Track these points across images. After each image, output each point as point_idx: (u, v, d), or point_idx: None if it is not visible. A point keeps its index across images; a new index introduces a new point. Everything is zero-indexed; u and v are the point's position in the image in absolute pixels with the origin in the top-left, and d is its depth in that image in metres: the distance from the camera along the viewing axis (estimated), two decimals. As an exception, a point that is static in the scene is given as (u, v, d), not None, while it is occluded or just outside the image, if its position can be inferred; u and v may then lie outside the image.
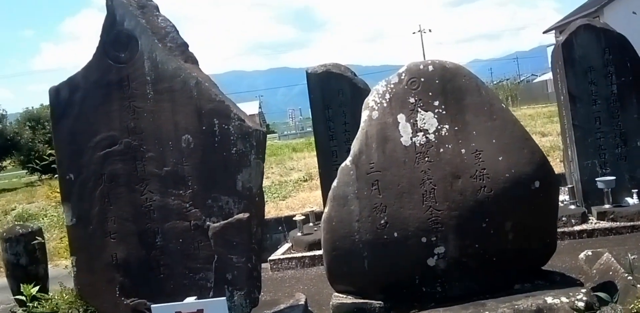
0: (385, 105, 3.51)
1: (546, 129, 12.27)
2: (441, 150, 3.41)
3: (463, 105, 3.43)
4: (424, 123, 3.44)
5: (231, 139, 3.66)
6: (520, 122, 3.47)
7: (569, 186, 6.73)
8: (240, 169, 3.68)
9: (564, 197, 6.85)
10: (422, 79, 3.47)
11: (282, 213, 8.33)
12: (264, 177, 3.97)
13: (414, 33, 49.67)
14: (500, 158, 3.35)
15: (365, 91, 7.30)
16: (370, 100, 3.54)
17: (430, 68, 3.48)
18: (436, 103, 3.44)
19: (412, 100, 3.47)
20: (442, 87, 3.45)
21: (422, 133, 3.44)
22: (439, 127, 3.43)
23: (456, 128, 3.41)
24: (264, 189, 3.90)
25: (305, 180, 10.62)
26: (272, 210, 8.68)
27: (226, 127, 3.67)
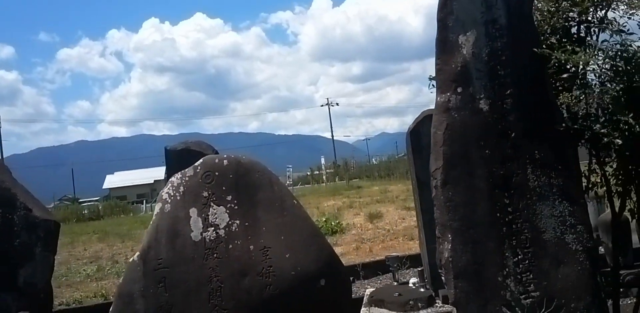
0: (178, 198, 3.46)
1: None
2: (230, 246, 3.36)
3: (255, 200, 3.44)
4: (215, 218, 3.41)
5: (15, 230, 3.43)
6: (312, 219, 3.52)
7: (419, 269, 6.89)
8: (22, 263, 3.43)
9: (415, 279, 7.00)
10: (217, 173, 3.47)
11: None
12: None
13: (321, 106, 51.58)
14: (287, 256, 3.34)
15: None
16: (164, 193, 3.48)
17: (225, 162, 3.51)
18: (229, 198, 3.44)
19: (205, 194, 3.45)
20: (235, 181, 3.46)
21: (213, 228, 3.39)
22: (229, 222, 3.40)
23: (247, 224, 3.40)
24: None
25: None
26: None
27: (10, 216, 3.46)
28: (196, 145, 7.53)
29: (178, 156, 7.22)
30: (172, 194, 3.48)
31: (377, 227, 12.53)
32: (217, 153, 7.77)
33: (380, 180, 27.76)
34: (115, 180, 67.93)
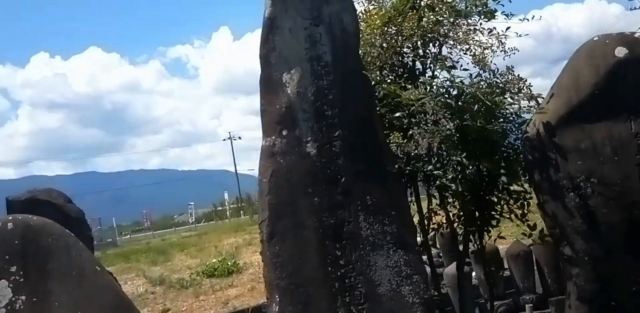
0: (-53, 272, 2.81)
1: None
2: (12, 329, 2.76)
3: (47, 270, 2.87)
4: (-5, 295, 2.80)
5: None
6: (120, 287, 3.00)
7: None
8: None
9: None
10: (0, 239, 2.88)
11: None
12: None
13: (224, 140, 50.55)
14: (85, 336, 2.79)
15: (78, 220, 6.66)
16: None
17: (10, 225, 2.92)
18: (13, 269, 2.84)
19: (-17, 265, 2.83)
20: (23, 248, 2.88)
21: (-9, 308, 2.78)
22: (13, 299, 2.80)
23: (34, 299, 2.81)
24: None
25: None
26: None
27: None
28: (45, 193, 6.73)
29: (23, 207, 6.37)
30: (-61, 268, 2.83)
31: (276, 264, 12.07)
32: (70, 201, 7.01)
33: (284, 213, 27.29)
34: None
